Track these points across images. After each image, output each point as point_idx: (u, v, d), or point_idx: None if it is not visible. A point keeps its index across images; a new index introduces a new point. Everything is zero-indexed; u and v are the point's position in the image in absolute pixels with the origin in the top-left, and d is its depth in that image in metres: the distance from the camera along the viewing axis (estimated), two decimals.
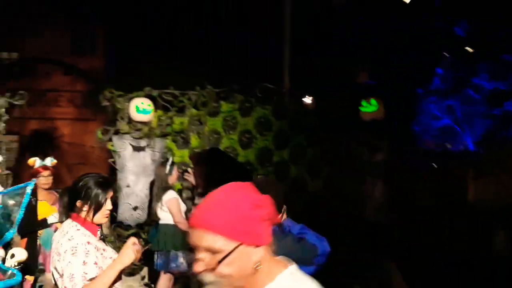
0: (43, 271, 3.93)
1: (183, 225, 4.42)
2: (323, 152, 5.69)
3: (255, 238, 1.13)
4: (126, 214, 5.32)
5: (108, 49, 15.23)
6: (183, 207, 4.55)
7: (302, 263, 1.61)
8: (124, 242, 5.43)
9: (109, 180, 2.46)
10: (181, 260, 4.47)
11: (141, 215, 5.29)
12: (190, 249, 3.88)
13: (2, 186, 4.27)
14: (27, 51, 14.80)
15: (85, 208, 2.09)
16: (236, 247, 1.11)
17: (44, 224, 3.75)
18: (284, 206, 2.31)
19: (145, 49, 10.69)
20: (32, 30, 13.88)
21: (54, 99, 15.03)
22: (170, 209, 4.41)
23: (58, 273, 2.02)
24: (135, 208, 5.29)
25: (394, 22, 6.33)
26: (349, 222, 5.32)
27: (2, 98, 5.41)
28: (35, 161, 4.80)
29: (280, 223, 2.19)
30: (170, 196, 4.43)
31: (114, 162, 5.41)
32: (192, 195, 4.95)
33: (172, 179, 4.52)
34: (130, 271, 5.39)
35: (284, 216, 2.30)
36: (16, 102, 5.49)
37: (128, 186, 5.32)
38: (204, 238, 1.14)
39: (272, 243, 1.20)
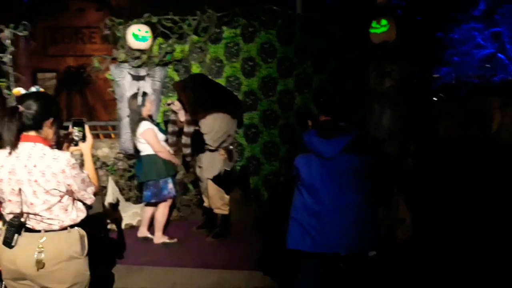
0: None
1: (163, 154, 4.39)
2: (329, 80, 5.31)
3: None
4: (128, 143, 5.34)
5: None
6: (161, 136, 4.46)
7: None
8: (129, 171, 5.53)
9: None
10: (171, 186, 4.48)
11: None
12: (174, 175, 3.90)
13: None
14: None
15: None
16: None
17: None
18: None
19: None
20: None
21: (88, 36, 15.23)
22: (147, 140, 4.34)
23: None
24: None
25: None
26: None
27: (7, 30, 5.38)
28: (19, 92, 4.79)
29: None
30: (145, 127, 4.33)
31: (113, 91, 5.37)
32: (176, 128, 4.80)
33: (146, 110, 4.40)
34: (135, 198, 5.53)
35: None
36: (20, 34, 5.45)
37: (128, 116, 5.28)
38: None
39: None
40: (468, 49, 9.27)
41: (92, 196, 2.17)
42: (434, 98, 7.19)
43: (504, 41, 9.05)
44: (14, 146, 1.99)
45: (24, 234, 2.02)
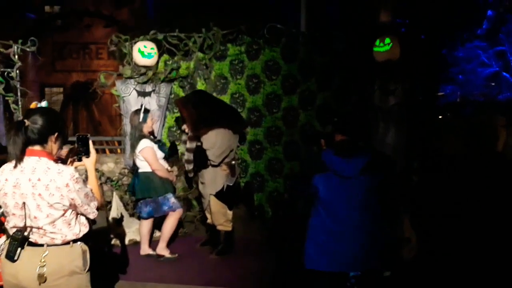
0: None
1: (161, 172, 4.36)
2: (333, 97, 5.33)
3: None
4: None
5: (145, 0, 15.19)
6: (160, 154, 4.44)
7: None
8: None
9: None
10: (173, 200, 4.46)
11: None
12: (172, 193, 3.88)
13: None
14: (68, 4, 15.13)
15: None
16: None
17: None
18: None
19: None
20: None
21: (96, 52, 15.44)
22: (146, 158, 4.32)
23: None
24: None
25: None
26: None
27: (15, 45, 5.46)
28: (36, 105, 4.86)
29: None
30: (144, 145, 4.31)
31: (119, 107, 5.41)
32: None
33: (147, 127, 4.38)
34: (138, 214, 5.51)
35: None
36: (28, 49, 5.53)
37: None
38: None
39: None
40: (472, 67, 9.32)
41: (95, 211, 2.18)
42: (439, 116, 7.20)
43: (508, 60, 9.09)
44: (19, 160, 2.02)
45: (27, 248, 2.03)
